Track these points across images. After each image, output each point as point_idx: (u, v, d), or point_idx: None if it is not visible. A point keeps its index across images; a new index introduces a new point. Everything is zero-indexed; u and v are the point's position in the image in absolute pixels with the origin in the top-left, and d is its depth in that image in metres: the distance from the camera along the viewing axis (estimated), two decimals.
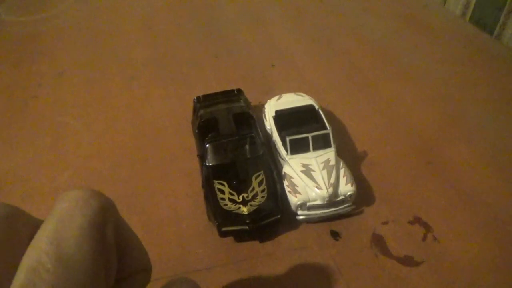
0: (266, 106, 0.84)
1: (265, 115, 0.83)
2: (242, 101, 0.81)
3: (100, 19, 1.36)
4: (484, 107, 0.94)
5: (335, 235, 0.64)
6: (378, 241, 0.62)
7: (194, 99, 0.83)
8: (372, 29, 1.23)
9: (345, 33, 1.19)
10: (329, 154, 0.68)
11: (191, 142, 0.82)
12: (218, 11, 1.40)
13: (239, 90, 0.85)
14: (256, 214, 0.61)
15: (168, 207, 0.72)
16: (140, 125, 0.93)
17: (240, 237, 0.63)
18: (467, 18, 1.28)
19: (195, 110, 0.82)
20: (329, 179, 0.64)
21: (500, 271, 0.57)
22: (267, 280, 0.59)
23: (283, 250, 0.62)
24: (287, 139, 0.69)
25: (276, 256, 0.62)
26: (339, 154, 0.69)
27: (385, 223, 0.65)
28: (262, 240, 0.63)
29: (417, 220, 0.65)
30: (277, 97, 0.85)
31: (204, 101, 0.80)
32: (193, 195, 0.73)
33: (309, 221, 0.66)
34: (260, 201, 0.61)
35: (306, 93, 0.85)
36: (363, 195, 0.70)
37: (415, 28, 1.25)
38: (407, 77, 1.05)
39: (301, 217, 0.66)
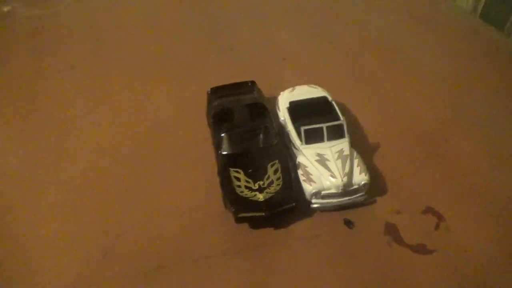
0: (279, 98, 0.85)
1: (278, 106, 0.84)
2: (255, 92, 0.82)
3: (105, 15, 1.38)
4: (493, 102, 0.94)
5: (349, 223, 0.64)
6: (391, 230, 0.63)
7: (208, 91, 0.84)
8: (379, 26, 1.24)
9: (351, 30, 1.19)
10: (343, 144, 0.69)
11: (197, 134, 0.83)
12: (222, 8, 1.41)
13: (253, 82, 0.85)
14: (272, 201, 0.62)
15: (182, 197, 0.72)
16: (145, 120, 0.94)
17: (255, 223, 0.64)
18: (478, 14, 1.28)
19: (209, 102, 0.83)
20: (343, 168, 0.65)
21: (510, 259, 0.58)
22: (279, 267, 0.60)
23: (297, 239, 0.63)
24: (302, 129, 0.70)
25: (290, 244, 0.63)
26: (352, 145, 0.70)
27: (398, 212, 0.66)
28: (276, 227, 0.64)
29: (429, 210, 0.66)
30: (290, 89, 0.86)
31: (217, 92, 0.81)
32: (205, 185, 0.73)
33: (323, 209, 0.67)
34: (275, 189, 0.62)
35: None
36: (376, 186, 0.71)
37: (424, 24, 1.26)
38: (416, 73, 1.05)
39: (315, 205, 0.67)
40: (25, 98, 0.96)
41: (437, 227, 0.67)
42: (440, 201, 0.68)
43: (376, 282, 0.55)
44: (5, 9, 1.45)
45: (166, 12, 1.31)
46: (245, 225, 0.65)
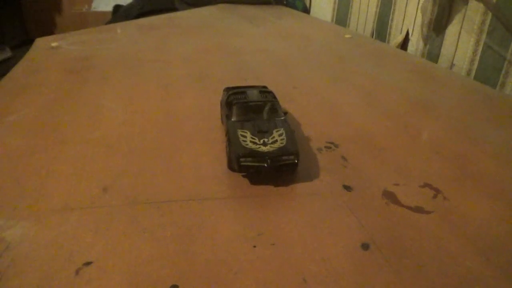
0: None
1: None
2: (268, 92, 0.92)
3: (145, 53, 1.58)
4: None
5: (347, 188, 0.68)
6: (390, 195, 0.65)
7: (223, 89, 0.94)
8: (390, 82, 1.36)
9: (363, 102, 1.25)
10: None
11: (210, 120, 0.90)
12: (247, 54, 1.61)
13: (265, 86, 0.96)
14: (274, 154, 0.66)
15: (191, 158, 0.78)
16: (172, 107, 1.02)
17: (257, 174, 0.67)
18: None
19: (224, 93, 0.92)
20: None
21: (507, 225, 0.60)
22: (279, 213, 0.63)
23: (297, 194, 0.66)
24: None
25: (290, 196, 0.66)
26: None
27: (396, 184, 0.69)
28: (276, 185, 0.67)
29: (427, 185, 0.69)
30: None
31: (233, 89, 0.91)
32: (213, 151, 0.79)
33: None
34: (279, 146, 0.67)
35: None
36: (372, 169, 0.75)
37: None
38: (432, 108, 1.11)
39: None
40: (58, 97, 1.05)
41: (435, 196, 0.67)
42: (439, 181, 0.68)
43: (379, 228, 0.54)
44: (53, 44, 1.65)
45: (203, 55, 1.51)
46: (245, 180, 0.65)
